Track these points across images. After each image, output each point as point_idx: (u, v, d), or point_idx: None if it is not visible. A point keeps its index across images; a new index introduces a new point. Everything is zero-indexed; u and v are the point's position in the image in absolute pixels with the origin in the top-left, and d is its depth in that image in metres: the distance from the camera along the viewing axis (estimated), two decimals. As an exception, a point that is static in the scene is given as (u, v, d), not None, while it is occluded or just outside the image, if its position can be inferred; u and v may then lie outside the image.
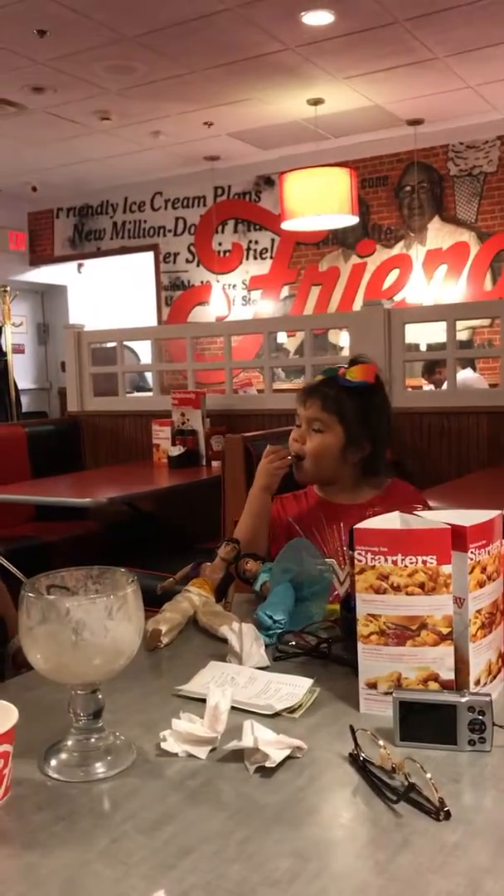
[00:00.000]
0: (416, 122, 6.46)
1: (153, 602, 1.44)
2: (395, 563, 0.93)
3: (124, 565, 2.83)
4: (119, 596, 0.82)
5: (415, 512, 1.02)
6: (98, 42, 4.77)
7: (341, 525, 1.67)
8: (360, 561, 0.94)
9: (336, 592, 1.38)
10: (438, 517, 0.98)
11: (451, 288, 6.79)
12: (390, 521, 0.99)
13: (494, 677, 0.98)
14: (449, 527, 0.93)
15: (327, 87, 5.65)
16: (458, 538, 0.93)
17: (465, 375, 5.75)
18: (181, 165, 7.54)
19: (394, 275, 7.03)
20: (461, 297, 6.71)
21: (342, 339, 6.56)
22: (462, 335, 6.36)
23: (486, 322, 6.10)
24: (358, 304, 7.02)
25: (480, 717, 0.84)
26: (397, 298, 6.92)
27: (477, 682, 0.95)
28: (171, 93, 5.65)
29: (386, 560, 0.93)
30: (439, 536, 0.92)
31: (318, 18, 4.52)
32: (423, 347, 5.81)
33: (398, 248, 7.03)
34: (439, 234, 6.85)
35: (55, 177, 7.78)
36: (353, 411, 1.67)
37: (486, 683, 0.96)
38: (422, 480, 3.01)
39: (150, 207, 8.24)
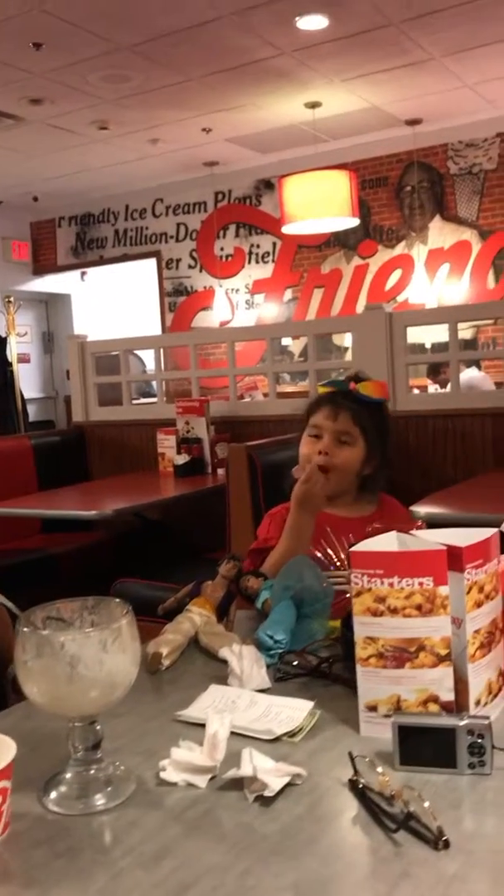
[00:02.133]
0: (414, 122, 6.46)
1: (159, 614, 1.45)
2: (391, 585, 0.92)
3: (133, 576, 2.80)
4: (114, 628, 0.82)
5: (412, 532, 1.02)
6: (93, 52, 4.78)
7: (350, 536, 1.67)
8: (357, 584, 0.93)
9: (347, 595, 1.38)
10: (435, 537, 0.98)
11: (453, 287, 6.78)
12: (387, 542, 0.99)
13: (495, 696, 0.97)
14: (445, 548, 0.92)
15: (324, 89, 5.65)
16: (454, 559, 0.92)
17: (470, 374, 5.73)
18: (181, 171, 7.56)
19: (396, 275, 7.02)
20: (464, 295, 6.70)
21: (346, 340, 6.55)
22: (466, 333, 6.34)
23: (489, 321, 6.08)
24: (361, 306, 7.02)
25: (480, 741, 0.84)
26: (400, 299, 6.91)
27: (477, 703, 0.94)
28: (167, 100, 5.66)
29: (382, 582, 0.93)
30: (435, 558, 0.92)
31: (312, 23, 4.52)
32: (427, 346, 5.80)
33: (400, 249, 7.02)
34: (441, 234, 6.84)
35: (56, 186, 7.80)
36: (372, 426, 1.70)
37: (486, 703, 0.95)
38: (426, 484, 3.00)
39: (151, 214, 8.26)
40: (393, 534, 1.02)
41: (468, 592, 0.92)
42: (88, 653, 0.80)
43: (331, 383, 1.78)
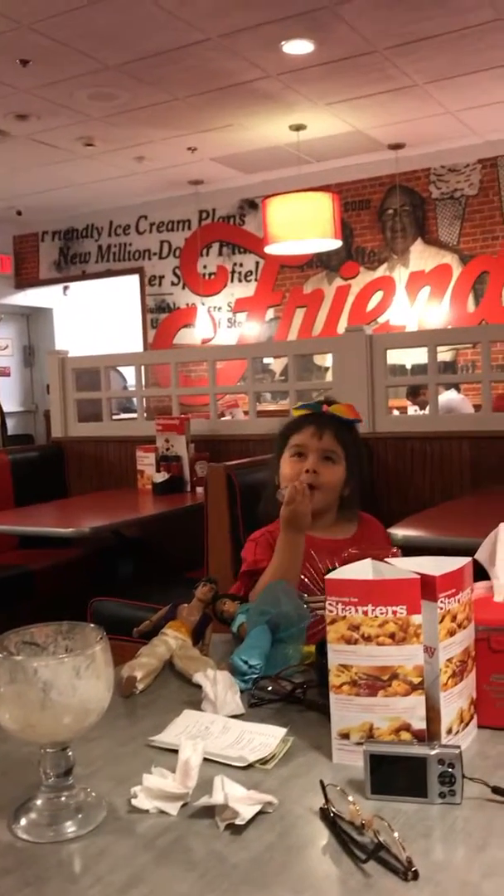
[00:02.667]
0: (397, 147, 6.54)
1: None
2: (365, 613, 0.93)
3: (110, 594, 2.79)
4: (88, 654, 0.82)
5: (387, 559, 1.02)
6: (80, 70, 4.81)
7: (333, 559, 1.68)
8: (332, 612, 0.94)
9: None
10: (409, 565, 0.99)
11: (434, 309, 6.85)
12: (362, 570, 1.00)
13: (467, 725, 0.98)
14: (418, 576, 0.93)
15: (309, 113, 5.72)
16: (428, 588, 0.93)
17: (449, 397, 5.78)
18: (165, 189, 7.60)
19: (377, 297, 7.09)
20: (444, 318, 6.77)
21: (327, 360, 6.58)
22: (445, 356, 6.41)
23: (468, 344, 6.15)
24: (342, 326, 7.07)
25: (450, 770, 0.85)
26: (381, 320, 6.97)
27: (449, 731, 0.95)
28: (154, 119, 5.70)
29: (357, 610, 0.93)
30: (409, 586, 0.93)
31: (298, 48, 4.58)
32: (408, 367, 5.85)
33: (381, 271, 7.09)
34: (422, 257, 6.92)
35: (40, 201, 7.81)
36: (352, 446, 1.74)
37: (458, 731, 0.96)
38: (405, 505, 3.02)
39: (135, 231, 8.28)
40: (368, 561, 1.02)
41: (441, 621, 0.93)
42: (62, 679, 0.80)
43: (306, 406, 1.80)
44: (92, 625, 0.88)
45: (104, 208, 8.20)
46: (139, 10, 4.14)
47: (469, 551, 1.10)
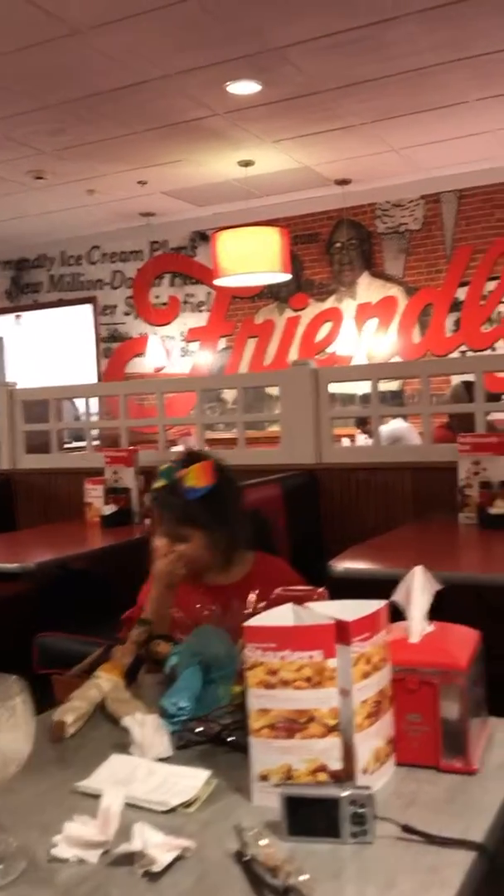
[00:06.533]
0: (344, 182, 6.70)
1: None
2: (283, 658, 0.97)
3: (57, 628, 2.77)
4: (7, 706, 0.83)
5: (307, 605, 1.06)
6: (26, 108, 4.85)
7: (232, 605, 1.71)
8: (251, 657, 0.97)
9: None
10: (326, 609, 1.02)
11: (381, 340, 6.99)
12: (281, 616, 1.04)
13: (384, 763, 1.02)
14: (333, 622, 0.97)
15: (256, 149, 5.83)
16: (342, 632, 0.97)
17: (395, 426, 5.89)
18: (117, 221, 7.65)
19: (326, 328, 7.21)
20: (391, 348, 6.91)
21: (277, 388, 6.66)
22: (392, 385, 6.53)
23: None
24: (293, 356, 7.17)
25: (362, 810, 0.88)
26: (329, 351, 7.08)
27: (365, 771, 0.98)
28: (103, 154, 5.76)
29: (275, 656, 0.97)
30: (324, 632, 0.97)
31: (243, 88, 4.69)
32: (359, 395, 5.94)
33: (330, 302, 7.21)
34: (369, 289, 7.07)
35: (-9, 231, 7.80)
36: (206, 516, 1.70)
37: (374, 770, 1.00)
38: (349, 535, 3.07)
39: (87, 261, 8.31)
40: (289, 606, 1.06)
41: (355, 665, 0.97)
42: (-19, 732, 0.81)
43: (163, 474, 1.75)
44: (14, 676, 0.90)
45: (56, 239, 8.21)
46: (76, 54, 4.20)
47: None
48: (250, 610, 1.19)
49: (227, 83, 4.60)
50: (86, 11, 3.81)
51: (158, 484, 1.74)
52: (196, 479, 1.68)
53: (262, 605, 1.11)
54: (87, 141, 5.48)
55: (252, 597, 1.29)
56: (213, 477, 1.70)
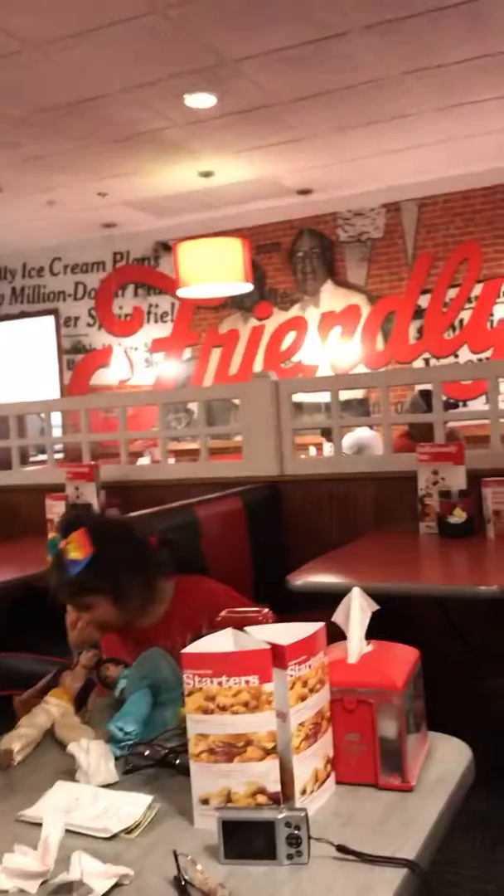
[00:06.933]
0: (305, 192, 6.76)
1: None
2: (220, 684, 0.98)
3: (16, 648, 2.76)
4: None
5: (246, 629, 1.08)
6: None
7: (159, 645, 1.71)
8: (189, 684, 0.99)
9: None
10: (264, 634, 1.04)
11: (345, 348, 7.05)
12: (220, 642, 1.05)
13: (322, 783, 1.04)
14: (269, 647, 0.99)
15: (216, 160, 5.87)
16: (278, 656, 0.99)
17: (360, 434, 5.94)
18: (79, 232, 7.64)
19: (291, 336, 7.26)
20: (356, 357, 6.98)
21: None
22: (357, 394, 6.59)
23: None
24: (258, 366, 7.21)
25: (297, 832, 0.90)
26: (295, 359, 7.13)
27: (304, 792, 1.00)
28: (61, 166, 5.75)
29: (212, 682, 0.98)
30: (260, 657, 0.99)
31: (200, 101, 4.72)
32: (324, 404, 5.98)
33: (294, 311, 7.27)
34: (332, 298, 7.13)
35: (-49, 244, 7.75)
36: (98, 582, 1.67)
37: (313, 791, 1.02)
38: (312, 546, 3.09)
39: (49, 272, 8.28)
40: (228, 631, 1.08)
41: (292, 688, 0.99)
42: None
43: (49, 547, 1.74)
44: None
45: (17, 250, 8.18)
46: (32, 69, 4.21)
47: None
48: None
49: (185, 95, 4.63)
50: (41, 27, 3.82)
51: (49, 558, 1.73)
52: (76, 550, 1.62)
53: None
54: (44, 154, 5.48)
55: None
56: (91, 544, 1.63)
